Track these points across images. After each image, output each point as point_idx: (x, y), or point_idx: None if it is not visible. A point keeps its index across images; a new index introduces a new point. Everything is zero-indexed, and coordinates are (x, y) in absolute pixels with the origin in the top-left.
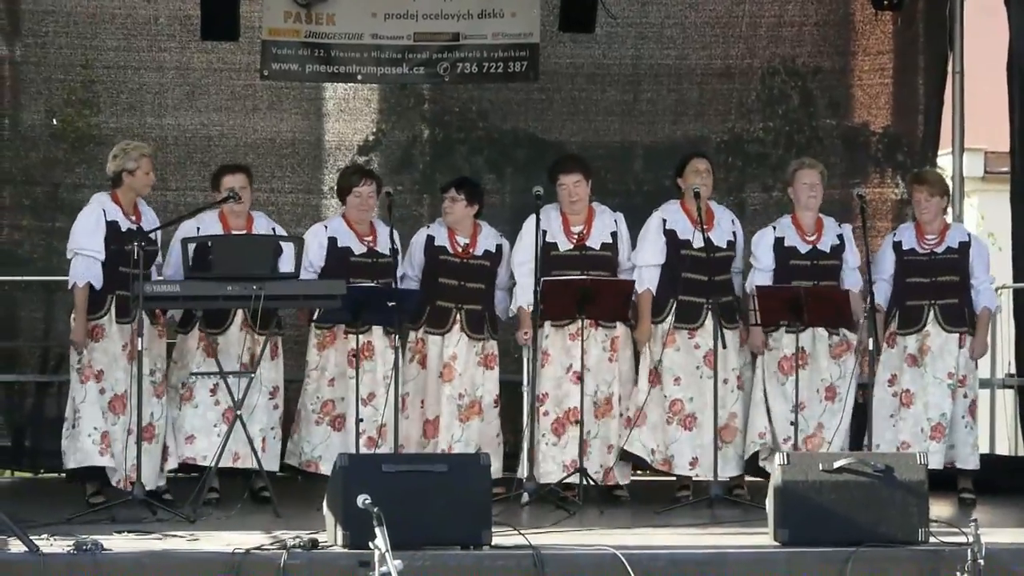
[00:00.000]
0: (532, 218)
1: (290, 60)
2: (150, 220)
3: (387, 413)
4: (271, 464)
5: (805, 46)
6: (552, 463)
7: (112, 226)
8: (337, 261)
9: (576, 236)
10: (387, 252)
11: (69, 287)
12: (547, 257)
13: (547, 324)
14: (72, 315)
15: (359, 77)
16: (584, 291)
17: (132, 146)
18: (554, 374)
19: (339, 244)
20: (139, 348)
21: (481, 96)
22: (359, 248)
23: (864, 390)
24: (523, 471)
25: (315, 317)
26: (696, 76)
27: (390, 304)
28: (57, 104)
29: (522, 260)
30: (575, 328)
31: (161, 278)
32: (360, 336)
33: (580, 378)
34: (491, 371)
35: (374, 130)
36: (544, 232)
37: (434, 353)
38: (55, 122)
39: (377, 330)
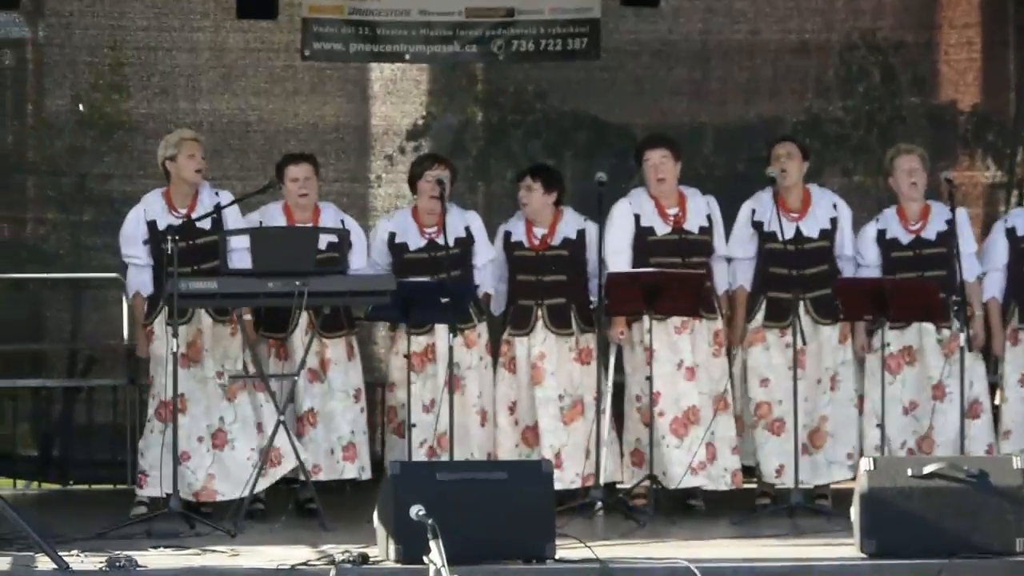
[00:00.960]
0: (623, 202)
1: (333, 39)
2: (207, 209)
3: (446, 420)
4: (364, 471)
5: (886, 19)
6: (678, 467)
7: (151, 227)
8: (395, 259)
9: (672, 218)
10: (452, 243)
11: (129, 296)
12: (643, 243)
13: (645, 318)
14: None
15: (407, 56)
16: (651, 285)
17: (173, 134)
18: (662, 370)
19: (396, 240)
20: (173, 350)
21: (538, 76)
22: (416, 242)
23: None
24: (600, 477)
25: (363, 315)
26: (769, 52)
27: (444, 300)
28: (83, 89)
29: (617, 249)
30: (679, 321)
31: (198, 275)
32: (423, 338)
33: (693, 374)
34: (588, 367)
35: (423, 113)
36: (637, 217)
37: (522, 355)
38: (81, 108)
39: (441, 330)
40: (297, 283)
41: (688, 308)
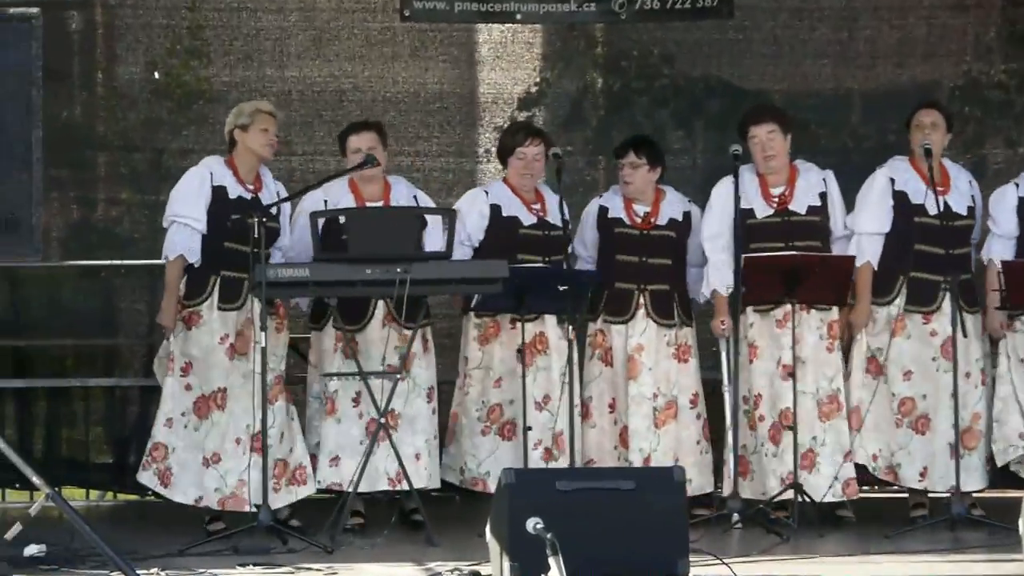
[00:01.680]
0: (724, 181)
1: None
2: (272, 194)
3: (563, 419)
4: (428, 481)
5: None
6: (773, 477)
7: (219, 192)
8: (504, 234)
9: (776, 200)
10: (558, 224)
11: (162, 259)
12: (744, 227)
13: (749, 310)
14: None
15: (518, 16)
16: (794, 269)
17: (248, 103)
18: (765, 370)
19: (504, 213)
20: (262, 344)
21: (665, 37)
22: (528, 218)
23: None
24: (728, 487)
25: (472, 305)
26: (923, 9)
27: (562, 288)
28: (159, 55)
29: (714, 233)
30: (782, 313)
31: (283, 261)
32: (530, 326)
33: (791, 374)
34: (686, 365)
35: (537, 80)
36: (738, 198)
37: (618, 345)
38: (157, 76)
39: (550, 319)
40: (399, 269)
41: (835, 295)
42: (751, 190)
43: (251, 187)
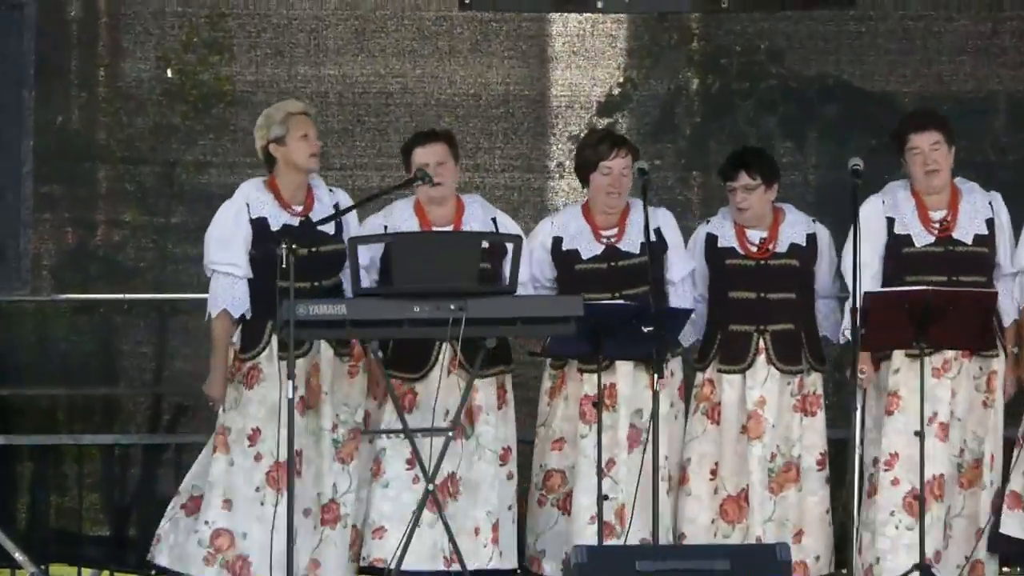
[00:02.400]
0: (873, 201)
1: None
2: (328, 208)
3: (629, 487)
4: (492, 560)
5: None
6: (905, 554)
7: (259, 226)
8: (562, 271)
9: (938, 225)
10: (635, 251)
11: (206, 318)
12: (898, 257)
13: (898, 355)
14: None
15: (599, 4)
16: (929, 306)
17: (275, 108)
18: (906, 426)
19: (564, 246)
20: (288, 396)
21: (774, 29)
22: (590, 249)
23: None
24: (858, 567)
25: (542, 349)
26: None
27: (647, 329)
28: (172, 49)
29: (863, 262)
30: (940, 359)
31: (322, 298)
32: (601, 376)
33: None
34: (813, 418)
35: (620, 80)
36: (890, 220)
37: (732, 399)
38: (169, 74)
39: (623, 368)
40: (452, 307)
41: (975, 339)
42: (907, 212)
43: (299, 208)
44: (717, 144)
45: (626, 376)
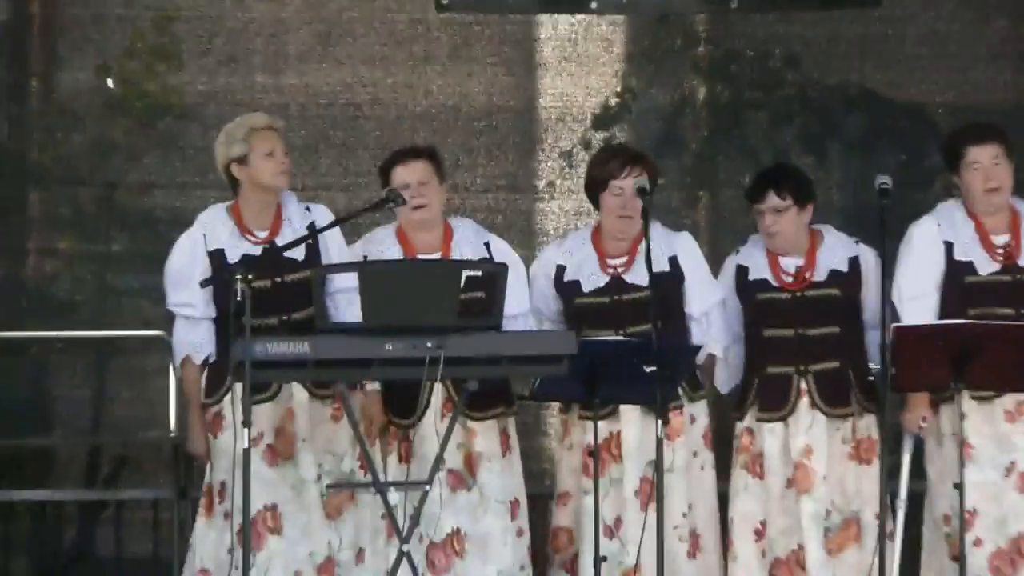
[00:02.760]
0: (927, 221)
1: None
2: (300, 229)
3: (640, 545)
4: None
5: None
6: None
7: (216, 258)
8: (564, 305)
9: (1003, 251)
10: (643, 283)
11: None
12: (960, 287)
13: (965, 397)
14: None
15: (593, 5)
16: (965, 344)
17: (236, 123)
18: (982, 477)
19: (567, 276)
20: (243, 445)
21: (790, 32)
22: (594, 281)
23: None
24: None
25: (530, 392)
26: None
27: (649, 369)
28: (114, 57)
29: (917, 291)
30: (1012, 402)
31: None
32: (602, 424)
33: None
34: (870, 467)
35: (618, 89)
36: (948, 245)
37: (774, 449)
38: (111, 85)
39: (630, 414)
40: (429, 344)
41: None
42: (966, 236)
43: (262, 235)
44: (727, 160)
45: (633, 423)
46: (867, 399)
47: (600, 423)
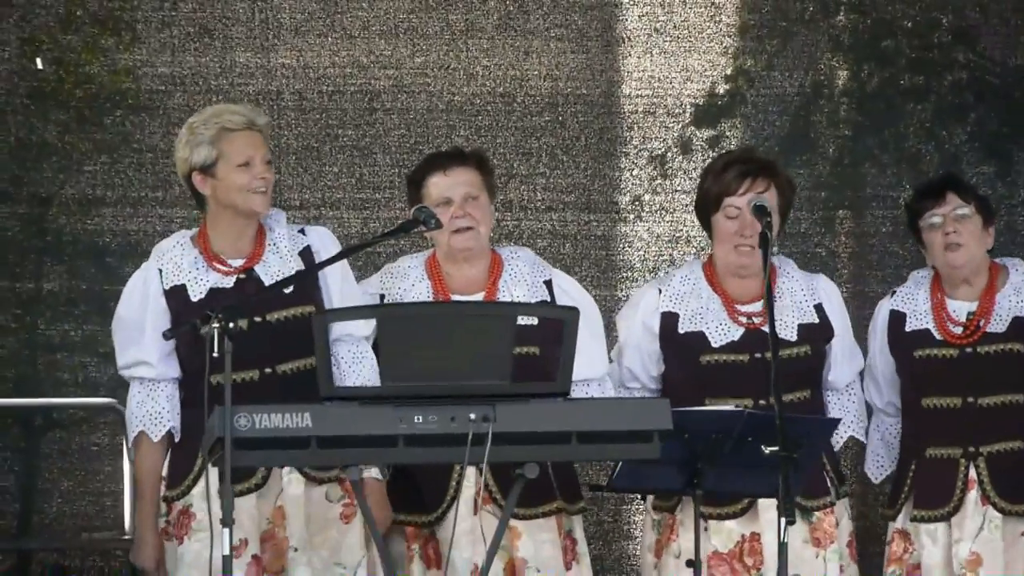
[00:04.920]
0: None
1: None
2: (288, 256)
3: None
4: None
5: None
6: None
7: (177, 298)
8: (680, 363)
9: None
10: (791, 336)
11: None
12: None
13: None
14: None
15: None
16: None
17: (203, 117)
18: None
19: (682, 327)
20: (225, 552)
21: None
22: (724, 333)
23: None
24: None
25: (608, 481)
26: None
27: (768, 451)
28: (45, 29)
29: None
30: None
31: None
32: (733, 524)
33: None
34: None
35: (728, 72)
36: None
37: (934, 560)
38: (40, 66)
39: (771, 512)
40: (472, 416)
41: None
42: None
43: (238, 263)
44: (875, 169)
45: (774, 524)
46: None
47: (732, 523)
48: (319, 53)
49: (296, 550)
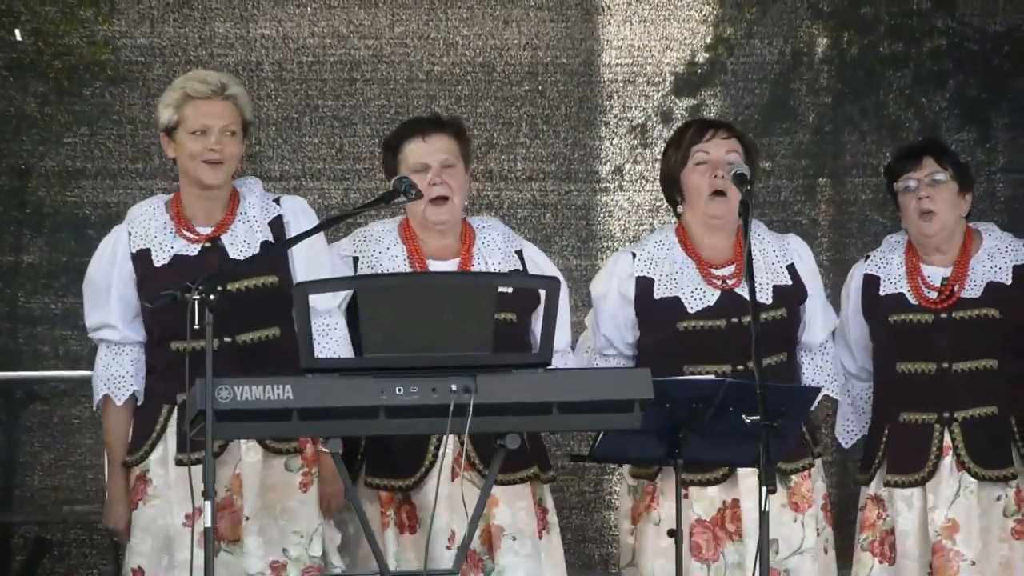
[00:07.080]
0: None
1: None
2: (258, 226)
3: None
4: None
5: None
6: None
7: (142, 261)
8: (656, 330)
9: None
10: (768, 300)
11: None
12: None
13: None
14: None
15: None
16: None
17: (176, 83)
18: None
19: (657, 293)
20: (206, 524)
21: None
22: (701, 298)
23: None
24: None
25: (591, 451)
26: None
27: (749, 419)
28: (24, 3)
29: None
30: None
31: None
32: (714, 491)
33: None
34: None
35: (708, 40)
36: None
37: (909, 526)
38: (19, 38)
39: (750, 479)
40: (454, 387)
41: None
42: None
43: (206, 231)
44: (855, 137)
45: (754, 491)
46: None
47: (713, 490)
48: (298, 23)
49: (248, 519)
